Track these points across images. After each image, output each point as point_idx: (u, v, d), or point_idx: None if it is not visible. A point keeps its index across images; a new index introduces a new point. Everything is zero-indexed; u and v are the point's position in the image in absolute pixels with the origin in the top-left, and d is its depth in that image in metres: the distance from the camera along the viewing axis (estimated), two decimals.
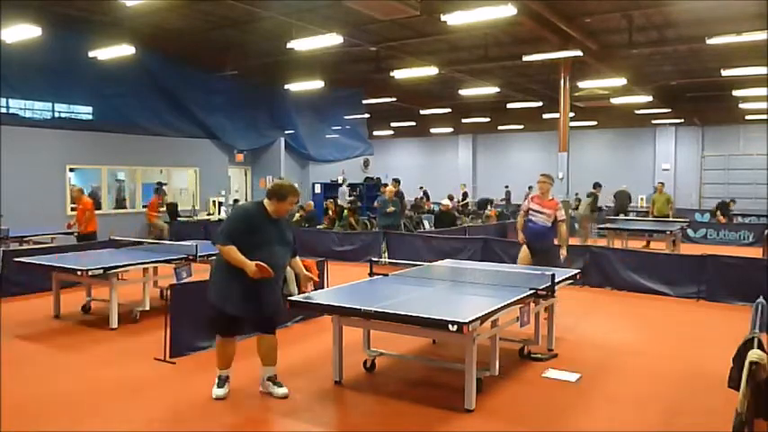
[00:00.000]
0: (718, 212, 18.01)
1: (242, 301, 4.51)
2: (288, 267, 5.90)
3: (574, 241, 12.36)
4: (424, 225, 16.16)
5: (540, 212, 7.32)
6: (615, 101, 18.29)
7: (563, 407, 4.65)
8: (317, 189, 20.18)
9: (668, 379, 5.26)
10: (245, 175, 19.96)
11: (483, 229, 14.57)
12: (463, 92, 18.65)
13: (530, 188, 23.84)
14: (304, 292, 5.02)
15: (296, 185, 4.78)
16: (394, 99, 20.96)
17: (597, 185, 14.59)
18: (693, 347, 6.33)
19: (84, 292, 7.82)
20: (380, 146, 27.46)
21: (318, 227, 15.57)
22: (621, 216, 17.16)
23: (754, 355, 3.01)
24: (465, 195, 21.97)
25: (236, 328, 4.74)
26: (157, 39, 14.48)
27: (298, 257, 4.99)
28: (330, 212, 16.54)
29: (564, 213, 7.40)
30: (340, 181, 20.78)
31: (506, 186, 25.46)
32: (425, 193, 22.73)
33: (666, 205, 14.73)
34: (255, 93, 18.93)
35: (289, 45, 12.10)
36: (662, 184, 15.76)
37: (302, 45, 12.07)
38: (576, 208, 15.51)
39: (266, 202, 4.59)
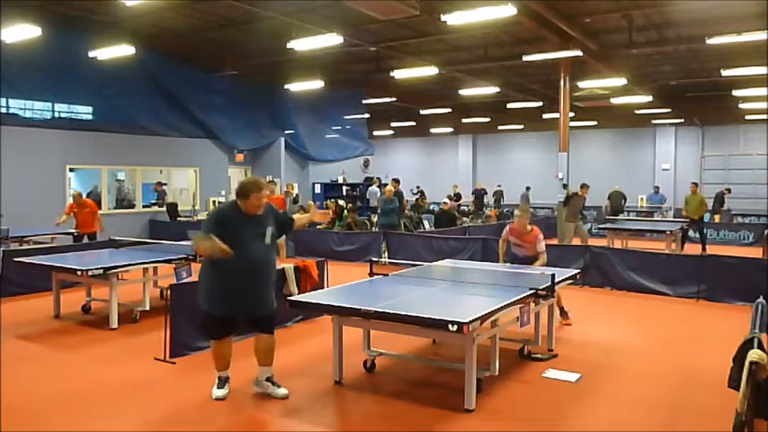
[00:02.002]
0: (715, 205, 18.14)
1: (226, 300, 4.54)
2: (287, 266, 5.89)
3: (576, 241, 12.37)
4: (424, 225, 16.16)
5: (520, 246, 7.08)
6: (615, 101, 18.27)
7: (563, 407, 4.65)
8: (317, 189, 20.18)
9: (668, 379, 5.26)
10: (245, 175, 19.93)
11: (483, 229, 14.57)
12: (463, 92, 18.64)
13: (528, 188, 23.79)
14: (304, 292, 5.02)
15: (260, 179, 4.77)
16: (394, 99, 20.95)
17: (584, 186, 13.12)
18: (693, 347, 6.33)
19: (84, 292, 7.83)
20: (380, 146, 27.45)
21: (318, 226, 15.56)
22: (618, 216, 17.18)
23: (754, 355, 3.01)
24: (458, 196, 21.93)
25: (228, 329, 4.73)
26: (157, 39, 14.48)
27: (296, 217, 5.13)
28: (330, 212, 16.53)
29: (543, 245, 6.98)
30: (372, 181, 20.55)
31: (499, 186, 24.62)
32: (422, 193, 22.59)
33: (701, 206, 14.26)
34: (255, 93, 18.92)
35: (289, 45, 12.10)
36: (695, 184, 15.22)
37: (302, 45, 12.07)
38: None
39: (239, 202, 4.59)
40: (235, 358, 4.81)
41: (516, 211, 7.20)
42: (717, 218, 17.95)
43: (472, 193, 23.01)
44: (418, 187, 23.74)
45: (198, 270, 7.37)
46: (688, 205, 14.49)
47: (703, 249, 12.83)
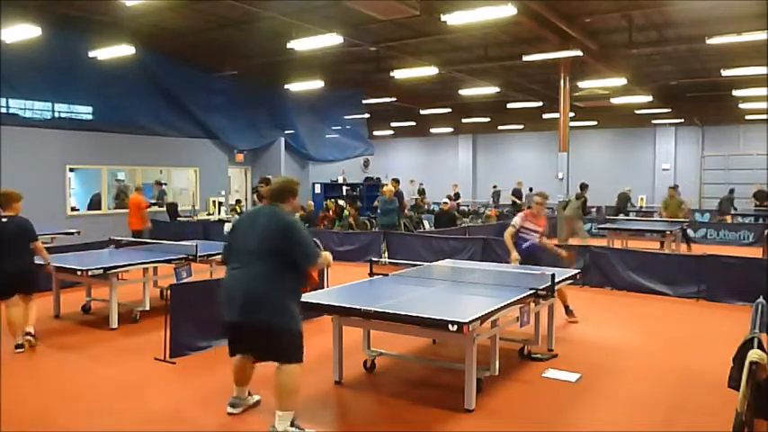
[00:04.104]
0: (723, 206, 18.28)
1: None
2: None
3: (575, 241, 12.36)
4: (424, 225, 16.15)
5: (535, 231, 7.22)
6: (615, 101, 18.29)
7: (563, 407, 4.65)
8: (317, 189, 20.19)
9: (668, 379, 5.26)
10: (245, 175, 19.96)
11: (483, 229, 14.56)
12: (463, 92, 18.66)
13: (530, 189, 23.70)
14: (304, 292, 5.01)
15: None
16: (394, 99, 20.97)
17: (584, 186, 13.92)
18: (693, 347, 6.33)
19: (84, 292, 7.82)
20: (380, 146, 27.45)
21: (318, 226, 15.56)
22: (620, 216, 17.19)
23: (754, 355, 3.01)
24: (457, 195, 21.84)
25: None
26: (157, 39, 14.49)
27: None
28: (330, 212, 16.52)
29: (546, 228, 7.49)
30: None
31: (494, 186, 24.12)
32: (420, 191, 22.52)
33: (678, 209, 14.19)
34: (255, 93, 18.92)
35: (289, 45, 12.11)
36: (673, 188, 15.06)
37: (302, 45, 12.08)
38: (564, 208, 15.14)
39: (282, 204, 4.17)
40: (229, 362, 4.44)
41: (538, 198, 7.38)
42: (728, 218, 17.88)
43: (512, 194, 22.06)
44: (421, 184, 23.66)
45: (196, 270, 7.47)
46: (665, 208, 14.47)
47: (684, 248, 13.12)
